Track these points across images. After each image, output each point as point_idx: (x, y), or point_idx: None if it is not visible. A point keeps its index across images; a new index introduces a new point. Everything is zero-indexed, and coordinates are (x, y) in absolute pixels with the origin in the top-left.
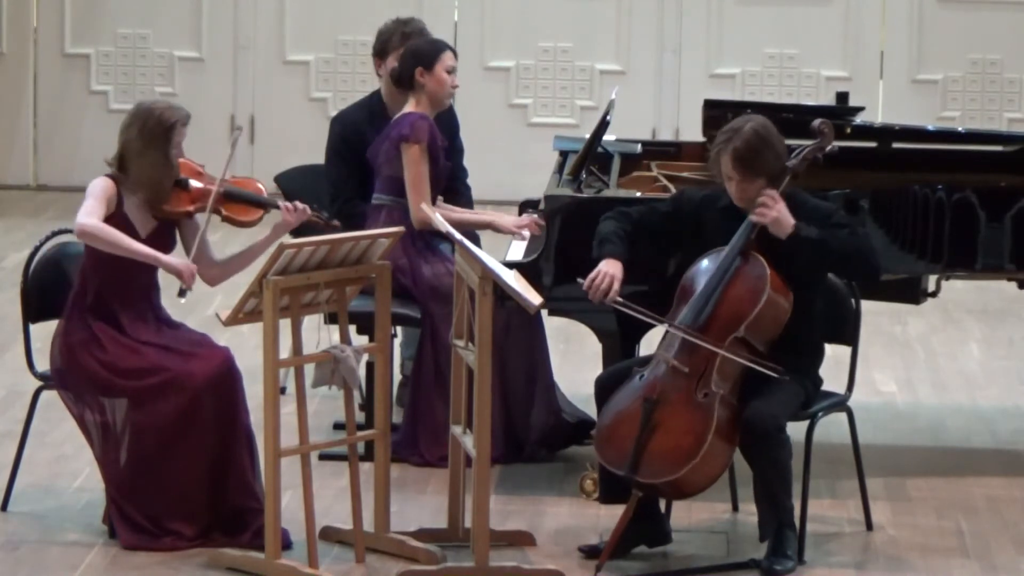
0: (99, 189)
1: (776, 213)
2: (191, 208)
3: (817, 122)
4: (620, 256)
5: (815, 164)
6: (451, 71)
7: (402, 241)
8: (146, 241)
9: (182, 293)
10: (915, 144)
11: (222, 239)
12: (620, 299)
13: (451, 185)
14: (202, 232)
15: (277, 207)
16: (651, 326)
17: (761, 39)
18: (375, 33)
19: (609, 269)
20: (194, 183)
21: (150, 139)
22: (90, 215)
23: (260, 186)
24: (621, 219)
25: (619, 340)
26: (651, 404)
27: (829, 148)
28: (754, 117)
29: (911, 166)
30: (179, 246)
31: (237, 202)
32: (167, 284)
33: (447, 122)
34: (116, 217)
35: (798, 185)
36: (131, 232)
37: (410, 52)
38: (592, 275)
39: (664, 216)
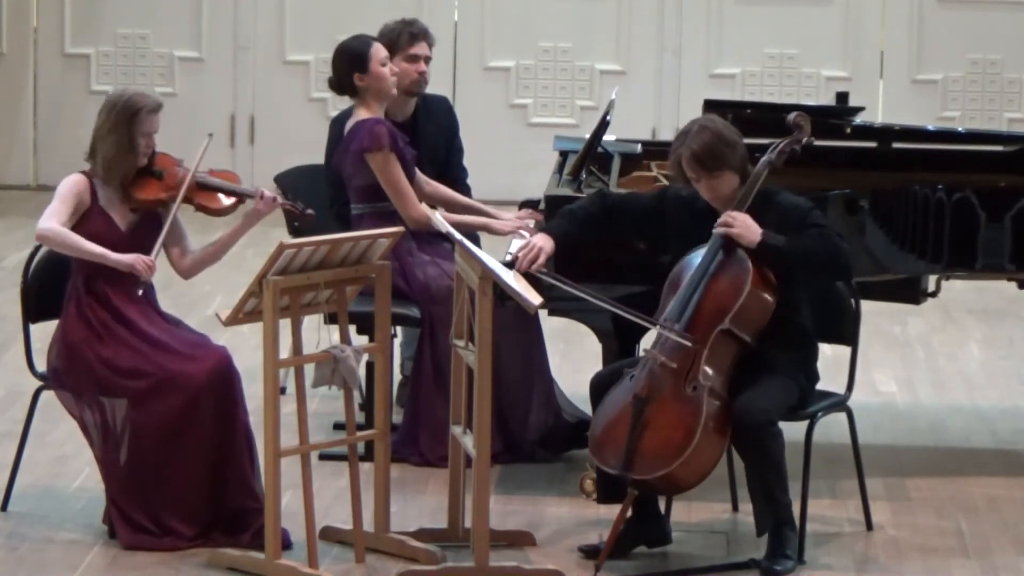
0: (66, 188)
1: (738, 229)
2: (163, 196)
3: (792, 115)
4: (556, 233)
5: (792, 157)
6: (384, 62)
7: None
8: (127, 235)
9: (139, 286)
10: (915, 144)
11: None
12: (545, 270)
13: (451, 185)
14: (172, 217)
15: (252, 196)
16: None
17: (761, 39)
18: (376, 33)
19: (540, 242)
20: (169, 174)
21: (116, 121)
22: (50, 218)
23: (239, 178)
24: (592, 201)
25: (618, 340)
26: (641, 402)
27: (805, 141)
28: (702, 117)
29: (911, 166)
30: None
31: (208, 190)
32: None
33: (447, 122)
34: (93, 212)
35: (787, 182)
36: (110, 226)
37: (340, 60)
38: (522, 244)
39: (645, 207)
